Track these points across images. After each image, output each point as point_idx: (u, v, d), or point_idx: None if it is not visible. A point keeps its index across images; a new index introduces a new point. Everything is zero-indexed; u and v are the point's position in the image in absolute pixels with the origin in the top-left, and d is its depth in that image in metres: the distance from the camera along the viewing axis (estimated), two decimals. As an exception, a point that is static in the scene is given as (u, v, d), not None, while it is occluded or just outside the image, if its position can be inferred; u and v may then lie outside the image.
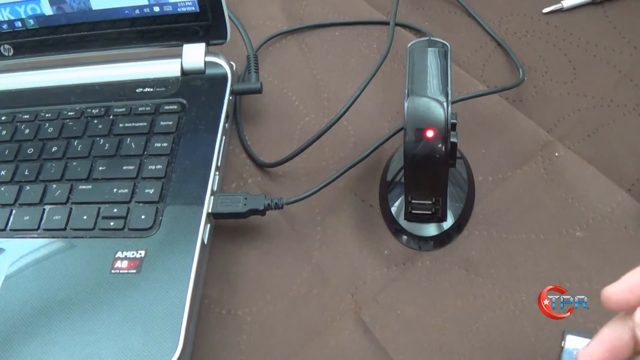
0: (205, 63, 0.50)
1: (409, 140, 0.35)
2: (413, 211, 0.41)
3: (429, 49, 0.37)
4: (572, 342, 0.35)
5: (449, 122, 0.35)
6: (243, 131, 0.51)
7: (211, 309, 0.42)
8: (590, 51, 0.51)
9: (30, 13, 0.50)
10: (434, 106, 0.35)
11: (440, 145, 0.35)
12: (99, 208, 0.43)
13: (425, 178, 0.38)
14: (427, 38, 0.38)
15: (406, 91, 0.36)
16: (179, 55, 0.50)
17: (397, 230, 0.43)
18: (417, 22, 0.56)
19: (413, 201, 0.40)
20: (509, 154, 0.46)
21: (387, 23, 0.56)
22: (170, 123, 0.46)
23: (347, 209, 0.45)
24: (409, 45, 0.38)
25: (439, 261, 0.42)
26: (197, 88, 0.49)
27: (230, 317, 0.41)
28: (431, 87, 0.35)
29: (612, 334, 0.27)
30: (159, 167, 0.44)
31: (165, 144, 0.45)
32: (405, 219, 0.42)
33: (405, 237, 0.43)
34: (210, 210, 0.42)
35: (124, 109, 0.48)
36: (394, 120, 0.49)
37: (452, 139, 0.35)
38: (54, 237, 0.42)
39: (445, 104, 0.35)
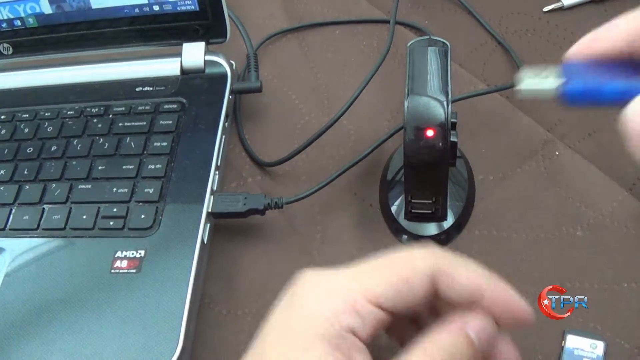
0: (205, 62, 0.50)
1: (409, 139, 0.35)
2: (413, 210, 0.41)
3: (429, 48, 0.37)
4: (572, 342, 0.35)
5: (449, 121, 0.35)
6: (243, 130, 0.50)
7: (211, 309, 0.41)
8: (590, 50, 0.51)
9: (29, 12, 0.50)
10: (434, 105, 0.34)
11: (440, 145, 0.35)
12: (99, 207, 0.43)
13: (425, 177, 0.38)
14: (427, 37, 0.38)
15: (406, 90, 0.35)
16: (178, 54, 0.50)
17: (397, 230, 0.43)
18: (417, 20, 0.56)
19: (413, 200, 0.40)
20: (510, 152, 0.46)
21: (387, 22, 0.56)
22: (170, 122, 0.46)
23: (347, 208, 0.45)
24: (409, 44, 0.38)
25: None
26: (197, 87, 0.49)
27: (230, 317, 0.41)
28: (431, 86, 0.35)
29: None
30: (158, 166, 0.44)
31: (165, 143, 0.45)
32: (405, 218, 0.42)
33: (405, 236, 0.43)
34: (210, 210, 0.42)
35: (123, 108, 0.48)
36: (394, 119, 0.49)
37: (452, 138, 0.35)
38: (53, 237, 0.42)
39: (445, 103, 0.34)
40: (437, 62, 0.36)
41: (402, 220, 0.42)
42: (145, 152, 0.45)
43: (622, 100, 0.23)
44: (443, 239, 0.42)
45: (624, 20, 0.24)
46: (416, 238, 0.42)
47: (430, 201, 0.40)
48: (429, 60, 0.36)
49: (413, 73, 0.36)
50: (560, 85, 0.23)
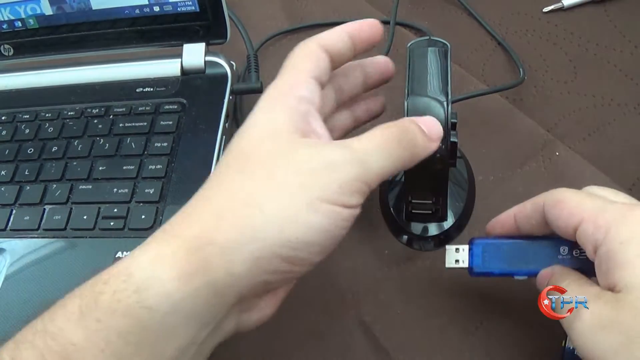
0: (205, 63, 0.50)
1: None
2: (413, 211, 0.41)
3: (429, 48, 0.37)
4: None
5: (449, 122, 0.35)
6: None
7: (211, 309, 0.41)
8: (590, 50, 0.51)
9: (30, 13, 0.50)
10: (434, 106, 0.34)
11: (440, 145, 0.35)
12: (99, 208, 0.43)
13: (426, 178, 0.38)
14: (427, 37, 0.38)
15: (406, 91, 0.35)
16: (179, 54, 0.50)
17: (397, 230, 0.43)
18: (417, 21, 0.56)
19: (413, 201, 0.40)
20: (510, 153, 0.46)
21: (387, 22, 0.56)
22: (171, 123, 0.46)
23: (348, 208, 0.45)
24: (409, 44, 0.38)
25: (440, 261, 0.42)
26: (197, 88, 0.49)
27: (231, 317, 0.41)
28: (431, 87, 0.35)
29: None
30: (159, 167, 0.44)
31: (165, 144, 0.45)
32: (405, 218, 0.42)
33: (405, 236, 0.43)
34: (210, 210, 0.42)
35: (124, 109, 0.48)
36: (395, 119, 0.49)
37: (452, 139, 0.35)
38: (54, 237, 0.42)
39: (445, 103, 0.34)
40: (437, 63, 0.36)
41: (402, 220, 0.42)
42: (145, 152, 0.45)
43: (508, 275, 0.34)
44: (443, 239, 0.42)
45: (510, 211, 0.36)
46: (416, 238, 0.42)
47: (431, 201, 0.40)
48: (429, 61, 0.36)
49: (413, 74, 0.36)
50: (468, 266, 0.35)
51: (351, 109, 0.39)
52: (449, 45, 0.37)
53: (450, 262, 0.36)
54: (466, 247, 0.35)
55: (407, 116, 0.35)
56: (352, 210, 0.28)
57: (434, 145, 0.32)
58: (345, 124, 0.39)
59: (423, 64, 0.36)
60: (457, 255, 0.36)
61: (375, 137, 0.30)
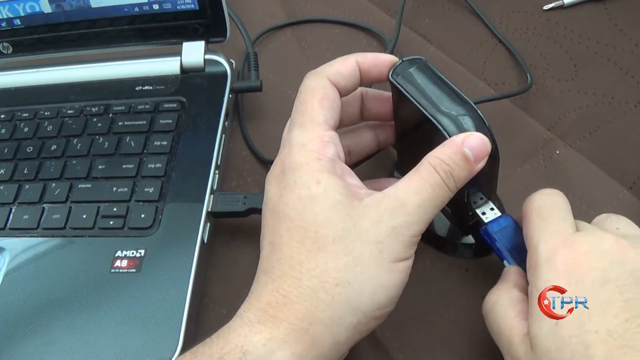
0: (205, 61, 0.50)
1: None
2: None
3: (411, 70, 0.35)
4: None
5: (488, 125, 0.33)
6: (247, 129, 0.50)
7: (211, 309, 0.41)
8: (591, 48, 0.51)
9: (29, 11, 0.50)
10: (464, 119, 0.33)
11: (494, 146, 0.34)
12: (99, 207, 0.42)
13: (490, 177, 0.37)
14: (401, 60, 0.35)
15: (428, 114, 0.33)
16: (178, 53, 0.50)
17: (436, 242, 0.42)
18: (418, 19, 0.56)
19: (476, 209, 0.38)
20: (510, 151, 0.46)
21: (384, 38, 0.56)
22: (170, 121, 0.46)
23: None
24: (390, 74, 0.35)
25: (440, 260, 0.42)
26: (197, 86, 0.49)
27: (230, 317, 0.41)
28: (446, 102, 0.33)
29: None
30: (158, 165, 0.44)
31: (164, 143, 0.45)
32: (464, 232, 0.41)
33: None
34: (210, 209, 0.42)
35: (123, 107, 0.48)
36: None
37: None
38: (53, 236, 0.42)
39: (475, 111, 0.33)
40: (435, 79, 0.34)
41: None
42: (145, 151, 0.45)
43: (501, 255, 0.36)
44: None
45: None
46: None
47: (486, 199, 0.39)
48: (431, 82, 0.34)
49: (421, 97, 0.34)
50: (485, 224, 0.37)
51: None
52: (423, 58, 0.36)
53: (480, 209, 0.37)
54: (499, 212, 0.37)
55: (446, 135, 0.33)
56: (413, 257, 0.31)
57: (480, 166, 0.32)
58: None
59: (420, 86, 0.34)
60: (488, 212, 0.37)
61: (423, 190, 0.31)
